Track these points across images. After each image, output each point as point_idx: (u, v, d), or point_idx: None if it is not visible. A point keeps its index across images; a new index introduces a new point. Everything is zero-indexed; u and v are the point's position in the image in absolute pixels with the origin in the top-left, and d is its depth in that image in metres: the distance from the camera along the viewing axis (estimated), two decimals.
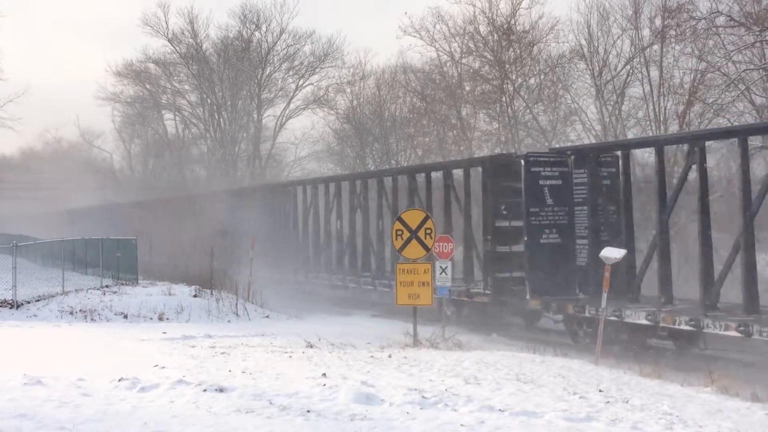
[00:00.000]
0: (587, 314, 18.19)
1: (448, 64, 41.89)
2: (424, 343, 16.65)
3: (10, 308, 21.31)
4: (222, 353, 14.33)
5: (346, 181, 30.19)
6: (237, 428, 8.53)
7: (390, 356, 14.02)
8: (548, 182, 19.97)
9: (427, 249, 17.31)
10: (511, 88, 37.23)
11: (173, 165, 62.86)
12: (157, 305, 22.52)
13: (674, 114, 29.44)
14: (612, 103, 32.88)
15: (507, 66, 37.27)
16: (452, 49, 41.35)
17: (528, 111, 37.29)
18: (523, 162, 20.28)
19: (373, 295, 27.29)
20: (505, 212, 20.98)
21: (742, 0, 25.76)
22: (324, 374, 11.56)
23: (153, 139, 67.03)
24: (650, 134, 29.27)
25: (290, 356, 13.96)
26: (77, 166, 78.77)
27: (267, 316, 23.67)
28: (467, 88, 39.92)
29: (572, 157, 20.22)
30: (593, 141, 31.68)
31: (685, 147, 18.77)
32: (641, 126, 32.37)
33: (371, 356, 14.00)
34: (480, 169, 23.14)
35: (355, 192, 28.82)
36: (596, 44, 33.57)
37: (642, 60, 31.39)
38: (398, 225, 17.35)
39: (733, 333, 15.20)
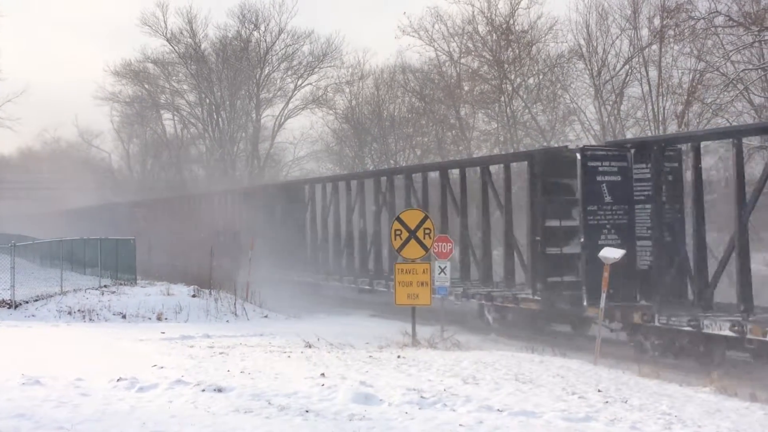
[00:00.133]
0: (657, 324, 16.27)
1: (446, 64, 41.97)
2: (423, 343, 16.64)
3: (9, 308, 21.27)
4: (220, 353, 14.32)
5: (371, 178, 28.82)
6: (235, 428, 8.52)
7: (390, 355, 14.01)
8: (606, 178, 18.30)
9: (425, 249, 17.32)
10: (510, 88, 37.25)
11: (172, 165, 62.89)
12: (155, 305, 22.50)
13: (673, 114, 29.49)
14: (611, 102, 32.91)
15: (506, 66, 37.29)
16: (451, 49, 41.46)
17: (527, 111, 37.32)
18: (579, 156, 18.57)
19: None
20: (554, 211, 19.31)
21: (741, 0, 25.78)
22: (323, 374, 11.55)
23: (151, 138, 67.05)
24: (649, 134, 29.29)
25: (289, 356, 13.95)
26: (76, 166, 78.81)
27: (266, 316, 23.65)
28: (466, 88, 39.95)
29: (632, 150, 18.43)
30: (592, 141, 31.65)
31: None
32: (640, 126, 32.43)
33: (370, 356, 13.99)
34: (525, 163, 21.43)
35: (380, 190, 27.43)
36: (595, 44, 33.64)
37: (641, 60, 31.43)
38: (397, 225, 17.36)
39: None
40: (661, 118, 29.93)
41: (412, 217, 17.43)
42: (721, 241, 19.87)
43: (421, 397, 10.08)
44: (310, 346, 15.67)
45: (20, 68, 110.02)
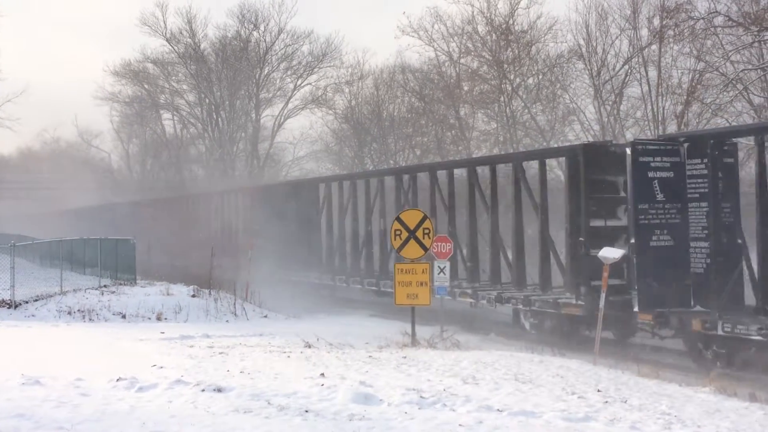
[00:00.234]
0: (720, 332, 15.07)
1: (446, 64, 41.96)
2: (423, 343, 16.65)
3: (9, 308, 21.29)
4: (220, 353, 14.33)
5: (391, 176, 27.47)
6: (235, 428, 8.53)
7: (390, 355, 14.02)
8: (658, 174, 17.01)
9: (425, 249, 17.34)
10: (510, 88, 37.24)
11: (171, 165, 62.87)
12: (155, 305, 22.52)
13: (672, 114, 29.48)
14: (610, 102, 32.91)
15: (505, 66, 37.28)
16: (450, 49, 41.45)
17: (526, 111, 37.30)
18: (629, 151, 17.50)
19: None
20: (599, 211, 18.24)
21: (741, 0, 25.79)
22: (322, 374, 11.56)
23: (151, 138, 67.05)
24: (649, 135, 29.30)
25: (288, 356, 13.95)
26: (75, 166, 78.84)
27: (265, 316, 23.68)
28: (465, 88, 39.94)
29: (686, 145, 17.15)
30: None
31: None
32: (639, 126, 32.42)
33: (369, 356, 14.00)
34: (564, 159, 20.51)
35: (402, 188, 26.01)
36: (594, 44, 33.61)
37: (640, 60, 31.42)
38: (397, 225, 17.39)
39: None
40: (660, 119, 29.93)
41: (412, 217, 17.45)
42: None
43: (421, 397, 10.09)
44: (309, 346, 15.68)
45: (20, 68, 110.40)
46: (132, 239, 31.44)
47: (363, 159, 48.04)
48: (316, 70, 55.47)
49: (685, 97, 28.35)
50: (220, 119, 57.53)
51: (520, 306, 19.99)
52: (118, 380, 10.74)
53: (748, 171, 17.01)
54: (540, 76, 37.45)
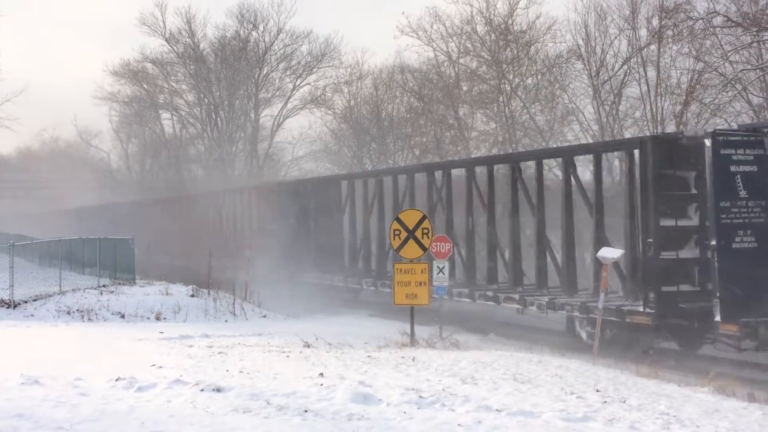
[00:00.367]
0: None
1: (445, 64, 41.97)
2: (422, 342, 16.66)
3: (8, 308, 21.28)
4: (219, 353, 14.33)
5: (422, 172, 25.78)
6: (234, 428, 8.53)
7: (389, 355, 14.02)
8: (741, 168, 15.50)
9: (424, 249, 17.35)
10: (509, 88, 37.24)
11: (170, 164, 62.88)
12: (154, 305, 22.53)
13: (671, 114, 29.49)
14: (609, 103, 32.91)
15: (504, 66, 37.28)
16: (449, 49, 41.46)
17: (525, 111, 37.31)
18: (708, 142, 15.67)
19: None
20: (669, 209, 16.68)
21: (740, 0, 25.80)
22: (321, 374, 11.56)
23: (150, 138, 67.05)
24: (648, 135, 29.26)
25: (287, 356, 13.95)
26: (75, 165, 78.84)
27: (264, 316, 23.69)
28: (464, 88, 39.95)
29: None
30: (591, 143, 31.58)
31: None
32: (638, 126, 32.41)
33: (368, 356, 14.00)
34: (624, 153, 19.23)
35: (434, 185, 24.43)
36: (593, 44, 33.61)
37: (639, 60, 31.43)
38: (396, 225, 17.41)
39: None
40: (659, 119, 29.94)
41: (411, 217, 17.48)
42: None
43: (420, 396, 10.09)
44: (308, 346, 15.68)
45: (20, 68, 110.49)
46: (131, 239, 31.44)
47: (362, 159, 48.03)
48: (315, 70, 55.58)
49: (684, 97, 28.35)
50: (219, 119, 57.54)
51: (576, 313, 18.11)
52: (117, 380, 10.73)
53: None
54: (539, 77, 37.46)
